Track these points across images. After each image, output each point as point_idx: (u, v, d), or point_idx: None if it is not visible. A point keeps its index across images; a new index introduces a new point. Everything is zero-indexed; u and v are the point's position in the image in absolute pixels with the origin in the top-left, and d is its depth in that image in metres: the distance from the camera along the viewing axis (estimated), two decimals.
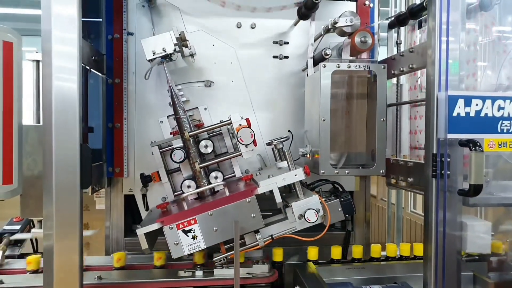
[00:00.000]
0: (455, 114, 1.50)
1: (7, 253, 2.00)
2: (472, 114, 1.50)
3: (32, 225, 2.19)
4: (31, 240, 2.25)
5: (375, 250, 2.10)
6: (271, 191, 1.81)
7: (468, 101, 1.49)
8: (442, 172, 1.57)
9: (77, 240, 1.47)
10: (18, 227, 2.09)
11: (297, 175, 1.81)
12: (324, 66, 1.87)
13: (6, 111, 1.48)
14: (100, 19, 2.21)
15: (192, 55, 2.11)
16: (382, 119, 1.95)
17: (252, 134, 1.81)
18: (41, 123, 1.61)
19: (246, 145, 1.84)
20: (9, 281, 1.74)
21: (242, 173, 2.11)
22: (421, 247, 2.13)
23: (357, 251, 2.10)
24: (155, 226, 1.71)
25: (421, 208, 5.03)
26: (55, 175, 1.44)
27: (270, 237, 1.84)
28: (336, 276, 1.91)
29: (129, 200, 2.30)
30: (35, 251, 2.31)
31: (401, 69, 1.97)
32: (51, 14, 1.45)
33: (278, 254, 2.01)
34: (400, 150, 2.37)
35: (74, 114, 1.44)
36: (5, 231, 2.06)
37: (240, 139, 1.81)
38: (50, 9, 1.44)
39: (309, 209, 1.78)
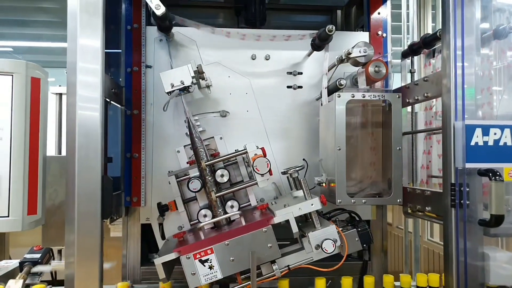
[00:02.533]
0: (473, 143, 1.50)
1: (27, 281, 2.02)
2: (491, 143, 1.50)
3: (51, 254, 2.21)
4: (51, 272, 2.27)
5: (388, 281, 2.05)
6: (287, 221, 1.81)
7: (486, 130, 1.49)
8: (461, 201, 1.55)
9: (97, 268, 1.49)
10: (38, 255, 2.11)
11: (313, 204, 1.80)
12: (339, 96, 1.89)
13: (32, 144, 1.54)
14: (120, 51, 2.30)
15: (208, 86, 2.16)
16: (398, 148, 1.95)
17: (268, 163, 1.83)
18: (62, 154, 1.65)
19: (262, 175, 1.85)
20: None
21: (257, 201, 2.11)
22: (437, 278, 2.07)
23: (369, 281, 2.04)
24: (172, 256, 1.72)
25: (439, 236, 4.89)
26: (77, 206, 1.47)
27: (287, 268, 1.82)
28: None
29: (145, 229, 2.32)
30: (53, 279, 2.32)
31: (416, 98, 1.99)
32: (77, 47, 1.51)
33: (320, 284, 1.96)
34: (416, 179, 2.35)
35: (96, 146, 1.49)
36: (26, 260, 2.08)
37: (256, 168, 1.83)
38: (76, 42, 1.51)
39: (326, 239, 1.77)
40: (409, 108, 2.42)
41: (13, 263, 2.20)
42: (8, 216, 1.47)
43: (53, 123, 2.02)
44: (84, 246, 1.50)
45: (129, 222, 2.31)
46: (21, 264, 2.08)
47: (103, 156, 1.48)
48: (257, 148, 1.92)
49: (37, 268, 2.06)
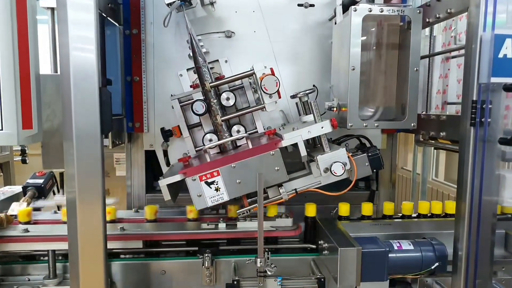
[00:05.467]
0: (501, 55, 1.38)
1: (32, 206, 2.01)
2: None
3: (54, 179, 2.19)
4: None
5: (407, 208, 2.03)
6: (295, 146, 1.74)
7: None
8: (482, 120, 1.46)
9: (99, 187, 1.44)
10: (41, 180, 2.09)
11: (323, 127, 1.72)
12: (355, 10, 1.74)
13: (22, 54, 1.42)
14: None
15: (212, 3, 2.00)
16: (415, 69, 1.83)
17: (277, 82, 1.72)
18: (59, 73, 1.54)
19: (270, 95, 1.75)
20: (34, 230, 1.76)
21: (264, 128, 2.03)
22: (452, 205, 2.05)
23: (388, 208, 2.03)
24: (177, 178, 1.68)
25: (443, 176, 4.91)
26: (75, 121, 1.39)
27: (294, 191, 1.79)
28: (361, 231, 1.85)
29: (150, 158, 2.27)
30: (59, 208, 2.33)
31: (437, 16, 1.83)
32: None
33: (311, 210, 1.96)
34: (430, 107, 2.25)
35: (92, 57, 1.37)
36: (28, 184, 2.07)
37: (264, 87, 1.72)
38: None
39: (335, 162, 1.71)
40: (426, 32, 2.26)
41: (17, 188, 2.19)
42: (1, 129, 1.39)
43: (47, 41, 1.89)
44: (85, 165, 1.44)
45: (133, 149, 2.26)
46: (24, 189, 2.07)
47: (99, 67, 1.37)
48: (265, 67, 1.79)
49: (39, 204, 2.03)
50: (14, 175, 4.18)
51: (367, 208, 2.00)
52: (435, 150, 4.56)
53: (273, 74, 1.77)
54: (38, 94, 1.52)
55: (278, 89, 1.73)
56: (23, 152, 4.16)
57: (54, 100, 1.69)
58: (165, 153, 2.17)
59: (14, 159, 4.20)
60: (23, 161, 4.10)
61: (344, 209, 1.99)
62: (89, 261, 1.50)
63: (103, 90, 1.36)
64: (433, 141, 2.12)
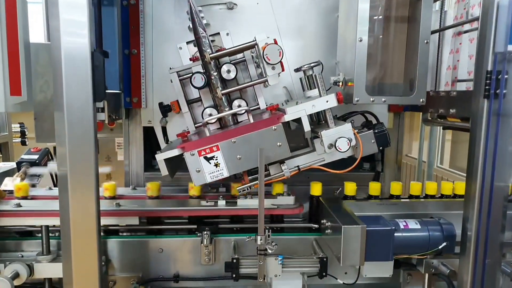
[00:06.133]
0: None
1: (27, 182, 1.95)
2: None
3: (50, 156, 2.13)
4: (51, 174, 2.20)
5: (415, 188, 1.96)
6: (298, 122, 1.67)
7: None
8: (497, 92, 1.37)
9: (92, 159, 1.37)
10: (36, 156, 2.03)
11: (328, 101, 1.65)
12: None
13: (9, 21, 1.34)
14: None
15: None
16: (425, 41, 1.74)
17: (280, 51, 1.63)
18: None
19: (273, 67, 1.66)
20: (27, 205, 1.70)
21: (267, 105, 1.96)
22: (462, 186, 1.97)
23: (396, 187, 1.96)
24: (175, 152, 1.61)
25: (448, 163, 4.83)
26: (66, 88, 1.31)
27: (297, 168, 1.72)
28: (366, 211, 1.78)
29: (149, 136, 2.20)
30: (55, 185, 2.27)
31: None
32: None
33: (316, 188, 1.89)
34: (440, 84, 2.17)
35: (84, 20, 1.29)
36: (23, 160, 2.01)
37: (267, 57, 1.63)
38: None
39: (340, 137, 1.64)
40: (437, 7, 2.16)
41: (11, 164, 2.13)
42: None
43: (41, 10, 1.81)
44: (77, 135, 1.36)
45: (131, 126, 2.19)
46: (18, 165, 2.01)
47: (92, 29, 1.29)
48: (268, 38, 1.70)
49: (34, 170, 1.98)
50: (13, 156, 4.12)
51: (374, 188, 1.93)
52: (441, 137, 4.47)
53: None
54: (28, 61, 1.45)
55: (281, 60, 1.65)
56: (22, 134, 4.10)
57: (47, 70, 1.62)
58: (164, 130, 2.10)
59: (14, 140, 4.14)
60: (23, 143, 4.04)
61: (350, 188, 1.92)
62: (81, 238, 1.43)
63: (95, 55, 1.29)
64: (441, 120, 2.04)
